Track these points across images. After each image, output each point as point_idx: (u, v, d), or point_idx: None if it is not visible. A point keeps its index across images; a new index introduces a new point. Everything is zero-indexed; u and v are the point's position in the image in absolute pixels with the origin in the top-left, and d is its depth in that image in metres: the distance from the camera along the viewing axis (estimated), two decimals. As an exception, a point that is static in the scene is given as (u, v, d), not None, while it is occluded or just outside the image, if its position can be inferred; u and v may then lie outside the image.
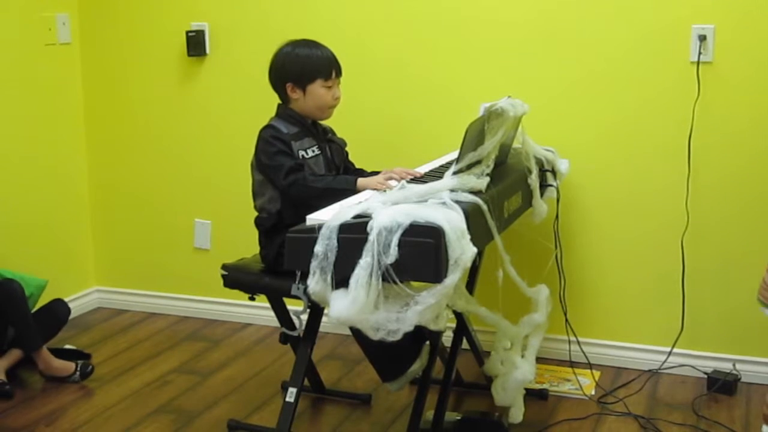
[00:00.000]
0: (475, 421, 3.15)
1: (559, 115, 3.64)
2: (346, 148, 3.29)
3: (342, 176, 3.03)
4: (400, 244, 2.28)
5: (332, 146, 3.21)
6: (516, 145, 3.20)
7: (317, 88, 3.09)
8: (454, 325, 3.22)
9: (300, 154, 3.04)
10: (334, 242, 2.35)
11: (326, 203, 2.67)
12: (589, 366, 3.67)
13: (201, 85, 4.19)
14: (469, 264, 2.36)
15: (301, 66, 3.09)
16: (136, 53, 4.27)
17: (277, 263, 3.01)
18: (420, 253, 2.29)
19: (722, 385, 3.45)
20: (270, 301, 3.21)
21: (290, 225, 2.73)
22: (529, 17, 3.64)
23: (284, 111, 3.13)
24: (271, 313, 3.27)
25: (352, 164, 3.31)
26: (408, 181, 2.82)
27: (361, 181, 2.89)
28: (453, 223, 2.33)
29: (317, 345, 3.12)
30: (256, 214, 3.13)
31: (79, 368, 3.57)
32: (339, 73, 3.14)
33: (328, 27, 3.88)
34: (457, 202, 2.48)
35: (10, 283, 3.50)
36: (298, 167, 2.98)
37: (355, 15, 3.88)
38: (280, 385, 3.56)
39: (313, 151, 3.09)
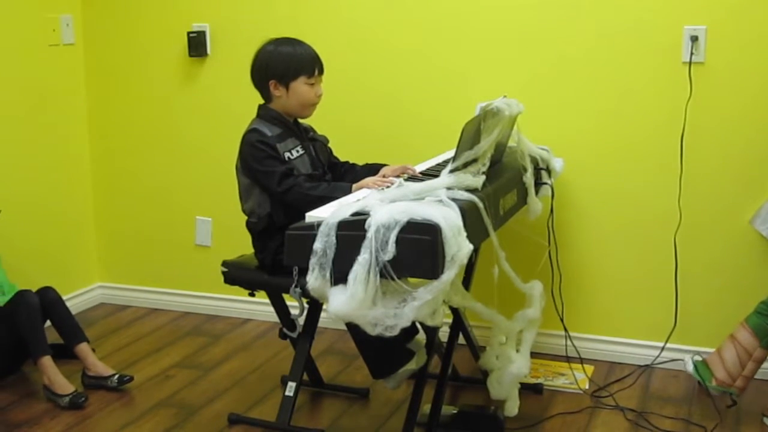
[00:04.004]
0: (472, 414, 3.18)
1: (554, 115, 3.68)
2: (329, 145, 3.33)
3: (338, 184, 3.04)
4: (397, 241, 2.31)
5: (316, 144, 3.24)
6: (511, 143, 3.23)
7: (300, 86, 3.12)
8: (450, 320, 3.27)
9: (285, 156, 3.07)
10: (333, 239, 2.38)
11: None
12: (584, 361, 3.70)
13: (202, 85, 4.23)
14: (465, 260, 2.40)
15: (285, 63, 3.12)
16: (139, 54, 4.31)
17: (274, 267, 3.05)
18: (417, 250, 2.32)
19: (713, 379, 3.51)
20: (270, 297, 3.26)
21: (282, 227, 2.77)
22: (524, 19, 3.68)
23: (266, 112, 3.16)
24: (271, 309, 3.31)
25: (337, 159, 3.35)
26: (405, 179, 2.87)
27: (355, 186, 2.92)
28: (449, 220, 2.37)
29: (316, 340, 3.16)
30: (253, 213, 3.18)
31: (72, 396, 3.39)
32: (321, 71, 3.17)
33: (327, 27, 3.92)
34: (453, 199, 2.51)
35: (28, 294, 3.49)
36: (290, 172, 3.02)
37: (353, 15, 3.92)
38: (280, 380, 3.60)
39: (298, 152, 3.12)
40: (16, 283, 3.67)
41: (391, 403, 3.41)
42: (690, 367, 3.47)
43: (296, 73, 3.11)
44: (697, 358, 3.47)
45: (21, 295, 3.47)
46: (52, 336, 3.60)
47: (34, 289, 3.59)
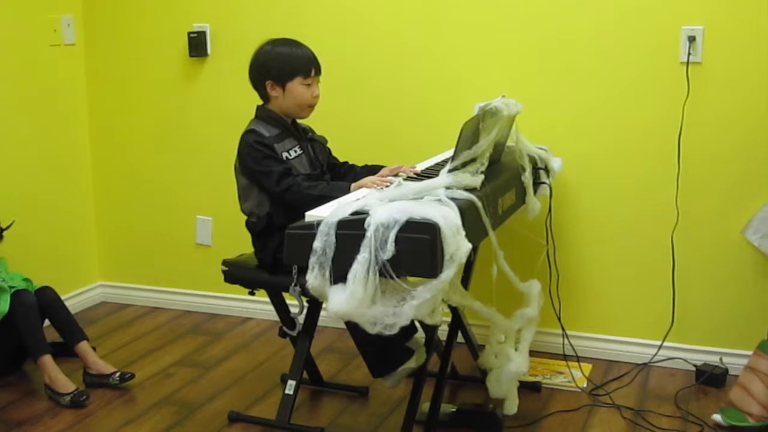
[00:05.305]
0: (470, 412, 3.20)
1: (552, 115, 3.70)
2: (327, 145, 3.35)
3: (337, 183, 3.06)
4: (396, 240, 2.33)
5: (314, 145, 3.26)
6: (510, 143, 3.25)
7: (297, 86, 3.13)
8: (449, 319, 3.29)
9: (284, 156, 3.09)
10: (333, 238, 2.39)
11: None
12: (581, 359, 3.73)
13: (202, 85, 4.25)
14: (464, 259, 2.41)
15: (281, 64, 3.13)
16: (139, 54, 4.32)
17: (273, 267, 3.07)
18: (416, 249, 2.33)
19: (710, 377, 3.52)
20: (270, 296, 3.27)
21: (281, 227, 2.78)
22: (523, 19, 3.70)
23: (264, 112, 3.18)
24: (271, 308, 3.33)
25: (337, 159, 3.36)
26: (404, 179, 2.88)
27: (354, 185, 2.94)
28: (448, 219, 2.38)
29: (316, 338, 3.17)
30: (254, 212, 3.19)
31: (73, 394, 3.40)
32: (318, 72, 3.18)
33: (326, 28, 3.94)
34: (452, 199, 2.53)
35: (25, 294, 3.51)
36: (288, 172, 3.03)
37: (354, 16, 3.94)
38: (280, 378, 3.62)
39: (296, 152, 3.14)
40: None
41: (390, 401, 3.43)
42: (720, 419, 3.19)
43: (292, 73, 3.13)
44: (717, 417, 3.23)
45: (18, 296, 3.48)
46: (53, 335, 3.61)
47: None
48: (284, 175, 3.01)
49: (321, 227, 2.42)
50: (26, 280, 3.64)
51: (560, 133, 3.68)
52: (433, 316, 2.48)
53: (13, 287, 3.52)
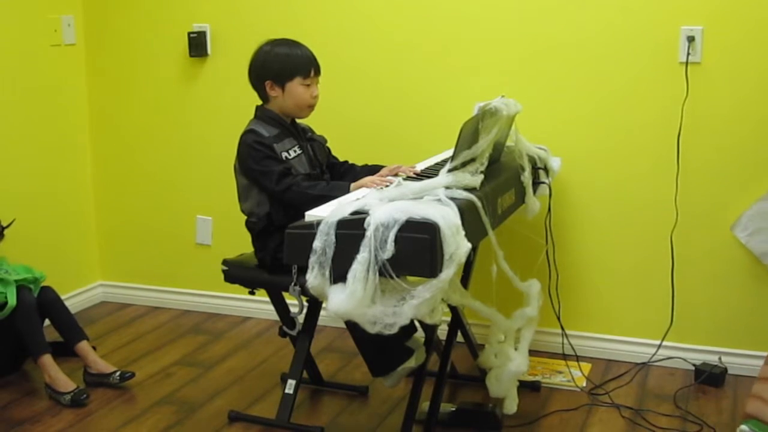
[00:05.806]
0: (470, 412, 3.20)
1: (552, 114, 3.70)
2: (327, 144, 3.35)
3: (336, 183, 3.07)
4: (396, 240, 2.33)
5: (314, 144, 3.26)
6: (509, 143, 3.25)
7: (296, 86, 3.14)
8: (449, 318, 3.29)
9: (283, 156, 3.10)
10: (333, 238, 2.40)
11: None
12: (581, 358, 3.73)
13: (202, 85, 4.25)
14: (463, 259, 2.42)
15: (281, 64, 3.14)
16: (140, 54, 4.33)
17: (273, 266, 3.07)
18: (416, 249, 2.34)
19: (709, 377, 3.52)
20: (269, 295, 3.28)
21: (281, 227, 2.78)
22: (522, 19, 3.70)
23: (263, 112, 3.18)
24: (271, 307, 3.33)
25: (336, 159, 3.37)
26: (404, 179, 2.89)
27: (354, 185, 2.95)
28: (448, 219, 2.39)
29: (316, 338, 3.18)
30: (253, 212, 3.20)
31: (74, 393, 3.40)
32: (318, 72, 3.19)
33: (326, 28, 3.94)
34: (452, 198, 2.53)
35: (25, 293, 3.50)
36: (287, 172, 3.04)
37: (352, 16, 3.94)
38: (280, 377, 3.62)
39: (295, 151, 3.15)
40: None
41: (390, 400, 3.43)
42: (748, 430, 3.00)
43: (292, 73, 3.13)
44: (744, 427, 3.04)
45: (19, 295, 3.48)
46: (53, 334, 3.62)
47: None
48: (284, 175, 3.02)
49: (321, 227, 2.42)
50: (30, 272, 3.64)
51: (560, 133, 3.69)
52: (433, 316, 2.49)
53: (19, 279, 3.53)
